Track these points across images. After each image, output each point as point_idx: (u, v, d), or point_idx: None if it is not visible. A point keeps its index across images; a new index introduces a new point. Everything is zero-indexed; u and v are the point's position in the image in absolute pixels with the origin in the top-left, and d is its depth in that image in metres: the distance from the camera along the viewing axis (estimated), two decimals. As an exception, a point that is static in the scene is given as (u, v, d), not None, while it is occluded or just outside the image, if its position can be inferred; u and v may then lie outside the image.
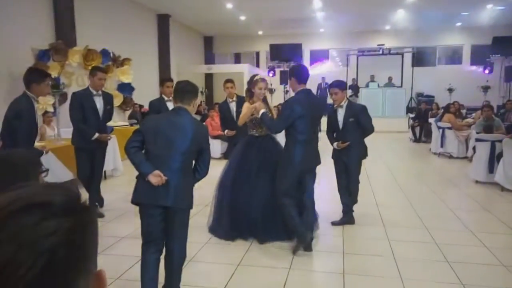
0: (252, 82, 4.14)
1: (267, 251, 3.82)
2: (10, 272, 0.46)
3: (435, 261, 3.55)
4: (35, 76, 3.88)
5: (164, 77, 5.14)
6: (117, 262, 3.51)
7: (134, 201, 2.68)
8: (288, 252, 3.75)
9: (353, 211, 4.53)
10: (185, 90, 2.80)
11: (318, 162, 3.92)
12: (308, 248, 3.69)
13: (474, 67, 16.52)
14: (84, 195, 3.36)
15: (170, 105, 4.94)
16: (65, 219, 0.51)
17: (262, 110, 3.75)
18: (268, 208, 3.95)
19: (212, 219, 4.26)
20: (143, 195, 2.63)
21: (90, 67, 7.83)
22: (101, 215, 4.75)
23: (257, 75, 4.41)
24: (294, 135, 3.68)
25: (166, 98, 4.97)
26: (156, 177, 2.54)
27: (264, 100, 4.12)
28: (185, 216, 2.73)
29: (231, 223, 4.04)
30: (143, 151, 2.68)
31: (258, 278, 3.26)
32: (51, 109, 7.03)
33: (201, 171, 2.79)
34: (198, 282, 3.17)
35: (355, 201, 4.57)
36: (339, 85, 4.44)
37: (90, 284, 0.56)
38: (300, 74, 3.75)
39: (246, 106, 4.11)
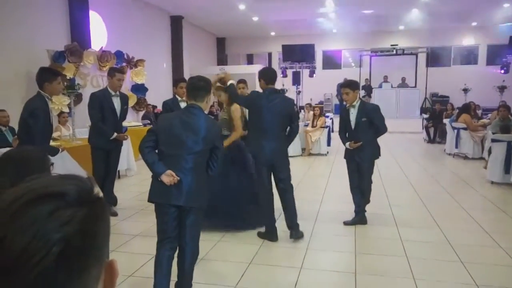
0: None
1: (279, 250, 3.83)
2: (25, 260, 0.48)
3: (449, 262, 3.51)
4: (47, 75, 3.96)
5: (178, 78, 5.16)
6: (130, 260, 3.56)
7: (150, 200, 2.75)
8: (300, 251, 3.75)
9: (365, 211, 4.50)
10: (197, 87, 2.78)
11: (280, 158, 4.09)
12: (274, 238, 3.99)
13: (490, 67, 16.25)
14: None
15: (183, 106, 5.00)
16: (78, 209, 0.53)
17: (231, 81, 4.08)
18: (237, 198, 4.20)
19: None
20: (157, 194, 2.69)
21: (104, 68, 8.00)
22: (115, 214, 4.81)
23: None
24: (254, 129, 4.03)
25: (179, 99, 5.01)
26: (168, 177, 2.58)
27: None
28: (198, 215, 2.75)
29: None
30: (157, 151, 2.72)
31: (269, 277, 3.27)
32: (66, 110, 7.15)
33: (213, 169, 2.81)
34: (210, 280, 3.20)
35: (368, 201, 4.54)
36: (351, 84, 4.42)
37: (102, 273, 0.57)
38: (267, 76, 4.05)
39: (235, 108, 4.32)
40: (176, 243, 2.74)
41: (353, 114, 4.38)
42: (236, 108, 4.31)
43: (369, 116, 4.31)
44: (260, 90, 4.13)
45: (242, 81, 5.48)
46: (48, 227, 0.49)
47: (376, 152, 4.47)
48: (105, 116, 4.69)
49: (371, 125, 4.34)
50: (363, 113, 4.32)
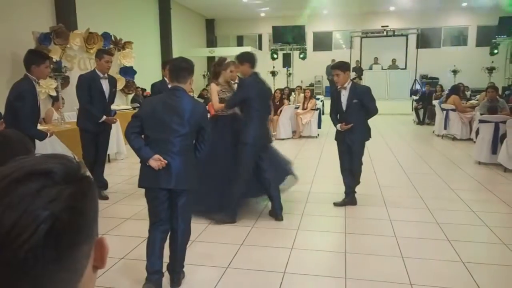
0: (223, 64, 4.32)
1: (270, 231, 3.87)
2: (14, 237, 0.48)
3: (436, 240, 3.58)
4: (35, 58, 3.89)
5: (167, 60, 5.07)
6: (122, 242, 3.57)
7: (140, 185, 2.75)
8: (291, 232, 3.80)
9: (355, 192, 4.56)
10: (180, 67, 2.75)
11: (270, 140, 4.23)
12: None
13: (479, 48, 16.31)
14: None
15: None
16: (65, 186, 0.53)
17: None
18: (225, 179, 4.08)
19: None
20: (147, 179, 2.69)
21: (91, 51, 7.84)
22: (106, 197, 4.80)
23: (226, 58, 4.53)
24: (250, 113, 3.97)
25: (168, 81, 4.96)
26: (156, 161, 2.59)
27: (229, 83, 4.35)
28: (189, 197, 2.76)
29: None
30: (143, 136, 2.71)
31: (260, 257, 3.31)
32: (53, 93, 7.03)
33: (201, 150, 2.82)
34: (202, 262, 3.23)
35: (358, 182, 4.58)
36: (341, 66, 4.38)
37: (92, 250, 0.58)
38: (253, 60, 4.06)
39: (213, 88, 4.32)
40: (168, 225, 2.76)
41: (344, 95, 4.38)
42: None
43: (360, 97, 4.31)
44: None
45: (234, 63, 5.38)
46: (36, 204, 0.50)
47: (366, 134, 4.49)
48: (93, 98, 4.63)
49: (362, 107, 4.34)
50: (354, 95, 4.31)
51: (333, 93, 4.63)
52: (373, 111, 4.38)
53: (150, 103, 2.84)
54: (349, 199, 4.53)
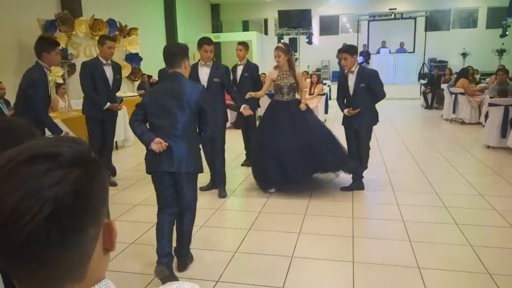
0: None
1: (278, 216, 3.89)
2: (17, 217, 0.49)
3: (444, 224, 3.58)
4: (45, 45, 3.87)
5: (206, 42, 4.88)
6: (131, 228, 3.61)
7: (147, 171, 2.80)
8: (299, 216, 3.81)
9: (362, 177, 4.54)
10: (172, 53, 2.81)
11: None
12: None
13: (489, 31, 15.98)
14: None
15: (203, 70, 4.80)
16: (71, 169, 0.53)
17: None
18: (297, 152, 4.29)
19: (256, 176, 4.64)
20: (151, 164, 2.75)
21: (97, 37, 7.81)
22: (114, 184, 4.85)
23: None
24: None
25: (201, 63, 4.81)
26: (156, 144, 2.63)
27: (291, 67, 4.50)
28: (191, 180, 2.80)
29: (266, 171, 4.44)
30: (147, 123, 2.77)
31: (269, 242, 3.33)
32: (60, 81, 7.05)
33: (205, 131, 2.90)
34: (210, 246, 3.26)
35: (365, 167, 4.57)
36: (349, 49, 4.32)
37: (100, 233, 0.58)
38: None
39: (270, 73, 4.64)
40: (176, 209, 2.80)
41: (351, 80, 4.32)
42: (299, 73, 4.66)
43: (368, 81, 4.26)
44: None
45: (240, 43, 5.46)
46: (39, 186, 0.50)
47: (374, 119, 4.46)
48: (97, 85, 4.61)
49: (369, 91, 4.29)
50: (362, 79, 4.26)
51: (340, 77, 4.58)
52: (381, 95, 4.33)
53: (152, 92, 2.95)
54: (357, 184, 4.52)
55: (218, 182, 4.56)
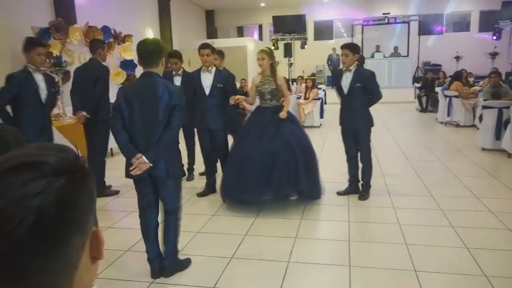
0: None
1: (274, 221, 3.87)
2: (0, 226, 0.48)
3: (440, 227, 3.58)
4: (26, 44, 3.85)
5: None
6: (127, 235, 3.59)
7: (127, 176, 2.79)
8: (295, 221, 3.80)
9: (370, 186, 4.47)
10: (148, 51, 2.63)
11: None
12: None
13: (482, 34, 16.13)
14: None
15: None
16: (55, 178, 0.52)
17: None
18: (276, 163, 3.96)
19: (222, 182, 4.33)
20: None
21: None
22: (116, 192, 4.83)
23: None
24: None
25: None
26: (137, 165, 2.62)
27: (273, 72, 4.29)
28: (174, 181, 2.82)
29: (241, 181, 4.06)
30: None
31: (265, 247, 3.32)
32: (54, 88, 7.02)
33: (175, 125, 2.67)
34: (206, 252, 3.24)
35: (370, 175, 4.45)
36: (351, 46, 4.26)
37: (86, 242, 0.57)
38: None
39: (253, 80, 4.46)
40: (157, 209, 2.85)
41: (347, 78, 4.27)
42: (280, 77, 4.38)
43: (364, 81, 4.21)
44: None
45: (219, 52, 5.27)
46: (22, 196, 0.49)
47: (370, 120, 4.38)
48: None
49: (364, 92, 4.25)
50: (358, 78, 4.21)
51: (334, 77, 4.55)
52: (377, 96, 4.28)
53: (126, 93, 2.68)
54: (352, 188, 4.52)
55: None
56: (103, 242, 0.61)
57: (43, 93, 3.87)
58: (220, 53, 5.34)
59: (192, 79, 4.63)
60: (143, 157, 2.61)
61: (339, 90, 4.37)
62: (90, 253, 0.59)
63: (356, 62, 4.28)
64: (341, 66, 4.45)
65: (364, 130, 4.36)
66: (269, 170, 3.92)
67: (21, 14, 7.18)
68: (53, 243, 0.51)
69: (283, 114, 4.14)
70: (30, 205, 0.49)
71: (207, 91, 4.46)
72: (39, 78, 3.83)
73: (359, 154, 4.47)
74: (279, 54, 14.61)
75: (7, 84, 3.72)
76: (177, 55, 5.03)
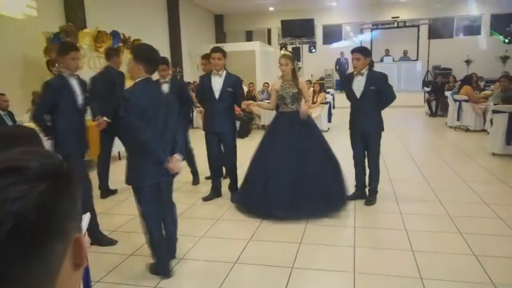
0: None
1: (279, 227, 3.85)
2: None
3: (447, 233, 3.53)
4: (60, 49, 3.69)
5: (215, 48, 4.59)
6: (131, 239, 3.59)
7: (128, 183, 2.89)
8: (300, 226, 3.78)
9: (377, 192, 4.42)
10: (158, 60, 2.84)
11: None
12: None
13: (493, 37, 15.94)
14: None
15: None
16: (36, 184, 0.52)
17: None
18: (300, 181, 3.97)
19: (240, 190, 4.42)
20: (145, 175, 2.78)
21: (100, 49, 7.89)
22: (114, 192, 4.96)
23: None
24: None
25: (213, 72, 4.54)
26: (174, 162, 2.76)
27: (294, 76, 4.26)
28: (135, 192, 2.90)
29: (262, 196, 4.03)
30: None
31: (269, 252, 3.30)
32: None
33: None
34: (209, 257, 3.23)
35: (377, 180, 4.41)
36: (362, 50, 4.23)
37: (69, 248, 0.57)
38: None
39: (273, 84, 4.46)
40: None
41: (360, 82, 4.22)
42: (302, 81, 4.40)
43: (378, 84, 4.17)
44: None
45: (205, 57, 5.19)
46: (1, 201, 0.49)
47: (381, 124, 4.34)
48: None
49: (377, 95, 4.20)
50: (372, 81, 4.16)
51: (343, 81, 4.53)
52: (392, 96, 4.24)
53: (139, 97, 2.68)
54: (359, 193, 4.48)
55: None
56: (86, 249, 0.60)
57: (79, 98, 3.68)
58: (206, 58, 5.24)
59: (182, 87, 4.78)
60: (177, 155, 2.73)
61: (350, 94, 4.33)
62: (73, 260, 0.58)
63: (367, 66, 4.25)
64: (349, 70, 4.42)
65: (375, 134, 4.31)
66: (300, 188, 3.95)
67: (32, 20, 7.28)
68: (33, 248, 0.51)
69: (304, 112, 4.15)
70: (10, 210, 0.49)
71: (216, 94, 4.48)
72: (74, 83, 3.64)
73: (366, 160, 4.43)
74: (287, 58, 14.64)
75: (45, 92, 3.55)
76: (166, 62, 4.86)
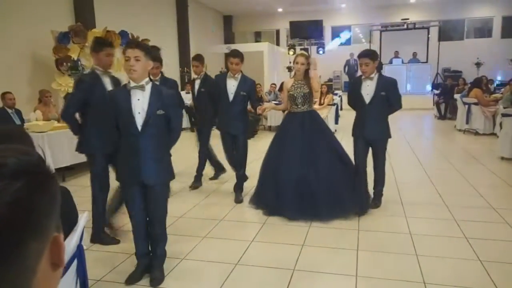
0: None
1: (281, 228, 3.83)
2: None
3: (452, 238, 3.48)
4: (94, 45, 3.57)
5: (231, 54, 4.52)
6: (131, 239, 3.59)
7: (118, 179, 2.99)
8: (302, 228, 3.75)
9: (382, 194, 4.35)
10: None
11: None
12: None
13: (505, 40, 15.74)
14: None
15: (231, 82, 4.55)
16: (12, 181, 0.51)
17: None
18: (319, 181, 3.97)
19: (255, 192, 4.46)
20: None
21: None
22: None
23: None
24: None
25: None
26: None
27: (306, 76, 4.20)
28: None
29: (273, 197, 4.10)
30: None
31: (271, 254, 3.28)
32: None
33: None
34: (212, 258, 3.22)
35: (383, 184, 4.33)
36: (370, 54, 4.04)
37: (46, 248, 0.56)
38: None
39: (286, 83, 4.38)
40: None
41: (369, 86, 4.05)
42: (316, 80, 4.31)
43: (388, 90, 4.04)
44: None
45: (196, 59, 5.19)
46: None
47: (389, 131, 4.19)
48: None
49: (385, 101, 4.06)
50: (383, 87, 4.02)
51: (351, 86, 4.41)
52: (397, 105, 4.14)
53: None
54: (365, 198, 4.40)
55: (236, 188, 4.71)
56: (64, 248, 0.59)
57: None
58: (200, 60, 5.14)
59: (175, 86, 4.86)
60: None
61: (358, 99, 4.14)
62: (51, 259, 0.57)
63: (376, 70, 4.12)
64: (359, 73, 4.32)
65: (383, 141, 4.19)
66: (311, 190, 3.96)
67: (42, 19, 7.37)
68: (7, 247, 0.50)
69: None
70: None
71: (230, 97, 4.51)
72: (107, 81, 3.49)
73: (370, 166, 4.32)
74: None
75: (76, 89, 3.43)
76: (158, 59, 4.75)
